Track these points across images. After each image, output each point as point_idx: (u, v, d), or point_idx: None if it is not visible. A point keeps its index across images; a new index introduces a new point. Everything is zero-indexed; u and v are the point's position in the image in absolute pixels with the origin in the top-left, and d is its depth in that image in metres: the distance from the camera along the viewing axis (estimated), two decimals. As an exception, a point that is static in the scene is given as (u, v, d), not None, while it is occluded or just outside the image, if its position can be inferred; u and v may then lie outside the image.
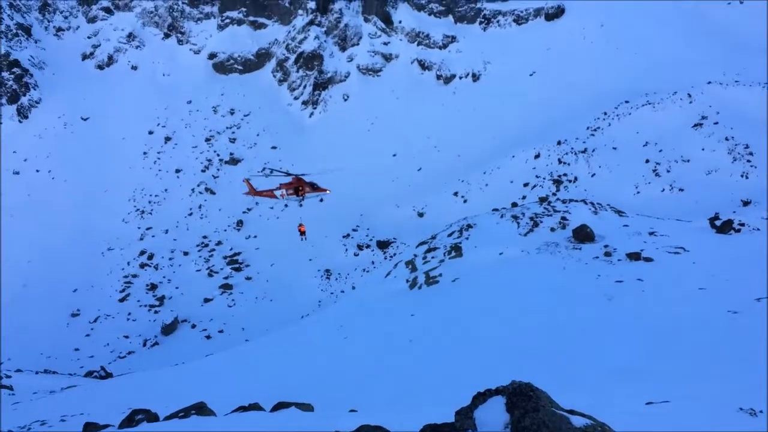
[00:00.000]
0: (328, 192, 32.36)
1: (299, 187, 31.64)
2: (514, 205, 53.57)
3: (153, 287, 78.60)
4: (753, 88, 70.89)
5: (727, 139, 65.07)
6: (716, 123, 67.73)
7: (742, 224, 33.41)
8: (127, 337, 69.37)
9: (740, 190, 56.88)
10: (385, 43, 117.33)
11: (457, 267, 33.69)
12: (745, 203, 48.45)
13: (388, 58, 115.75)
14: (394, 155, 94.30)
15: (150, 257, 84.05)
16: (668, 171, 65.32)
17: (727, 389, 11.82)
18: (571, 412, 5.88)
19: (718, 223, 33.95)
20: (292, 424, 11.40)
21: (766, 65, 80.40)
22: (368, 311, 32.57)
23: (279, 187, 32.39)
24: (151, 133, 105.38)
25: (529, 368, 17.50)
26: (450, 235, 39.55)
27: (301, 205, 32.59)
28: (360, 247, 78.65)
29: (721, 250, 30.71)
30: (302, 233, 35.03)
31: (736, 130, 65.51)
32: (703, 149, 65.47)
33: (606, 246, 31.67)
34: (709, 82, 75.13)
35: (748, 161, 61.99)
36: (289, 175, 31.62)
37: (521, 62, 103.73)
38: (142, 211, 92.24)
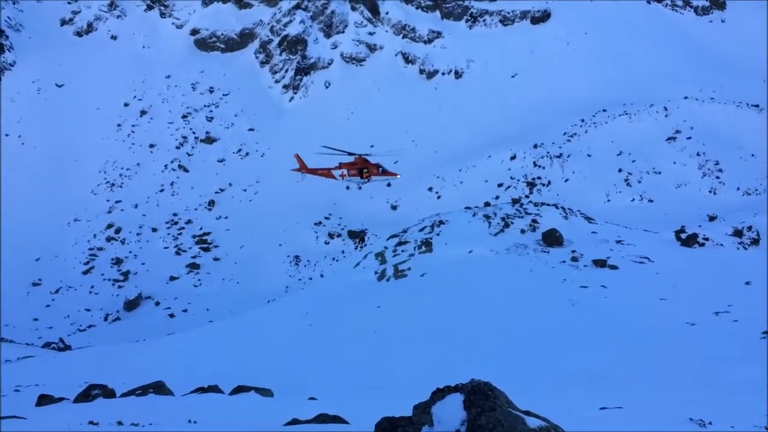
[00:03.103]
0: (398, 177, 29.51)
1: (363, 168, 28.99)
2: (487, 204, 54.01)
3: (118, 261, 77.42)
4: (727, 106, 72.26)
5: (698, 154, 66.30)
6: (689, 138, 68.89)
7: (707, 239, 34.16)
8: (88, 310, 68.29)
9: (707, 205, 57.99)
10: (371, 33, 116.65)
11: (426, 262, 33.85)
12: (711, 218, 49.46)
13: (372, 48, 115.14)
14: (372, 146, 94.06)
15: (117, 231, 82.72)
16: (639, 181, 66.34)
17: (679, 399, 12.11)
18: (527, 413, 5.98)
19: (683, 236, 34.66)
20: (251, 409, 11.40)
21: (740, 84, 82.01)
22: (335, 300, 32.58)
23: (338, 167, 29.64)
24: (126, 105, 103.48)
25: (490, 367, 17.71)
26: (421, 230, 39.67)
27: (360, 188, 30.48)
28: (331, 236, 78.44)
29: (684, 262, 31.36)
30: (361, 240, 33.25)
31: (707, 146, 66.77)
32: (674, 163, 66.61)
33: (573, 251, 32.11)
34: (686, 98, 76.35)
35: (717, 177, 63.25)
36: (351, 154, 29.00)
37: (504, 63, 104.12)
38: (113, 184, 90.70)
